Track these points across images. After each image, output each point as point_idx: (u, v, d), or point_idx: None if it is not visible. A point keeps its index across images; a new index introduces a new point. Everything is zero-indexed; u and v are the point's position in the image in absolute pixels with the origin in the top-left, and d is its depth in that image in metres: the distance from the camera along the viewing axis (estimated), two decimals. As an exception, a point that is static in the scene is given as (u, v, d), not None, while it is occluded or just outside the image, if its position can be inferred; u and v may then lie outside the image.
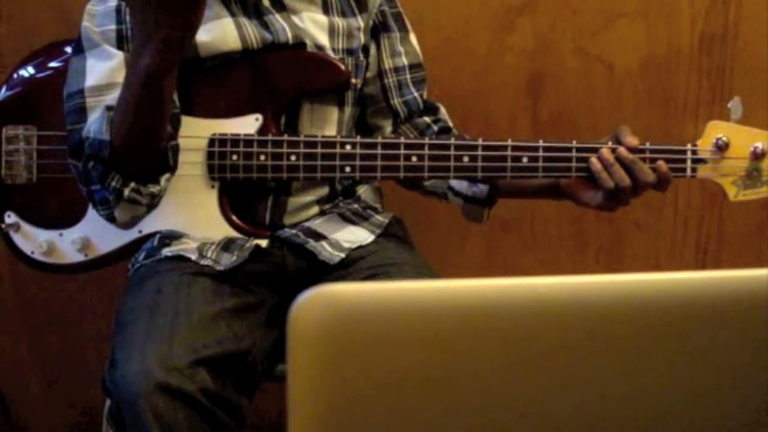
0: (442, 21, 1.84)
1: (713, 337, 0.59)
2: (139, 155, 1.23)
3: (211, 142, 1.32)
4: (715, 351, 0.59)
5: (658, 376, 0.59)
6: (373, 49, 1.46)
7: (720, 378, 0.59)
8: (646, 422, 0.59)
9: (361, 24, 1.43)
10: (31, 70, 1.50)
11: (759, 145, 1.28)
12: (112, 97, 1.24)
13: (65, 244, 1.42)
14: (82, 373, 1.94)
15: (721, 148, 1.29)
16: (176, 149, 1.27)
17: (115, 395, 1.13)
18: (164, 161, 1.25)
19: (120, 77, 1.28)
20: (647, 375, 0.58)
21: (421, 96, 1.48)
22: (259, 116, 1.33)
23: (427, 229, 1.83)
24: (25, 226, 1.44)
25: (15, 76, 1.49)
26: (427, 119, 1.49)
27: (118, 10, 1.31)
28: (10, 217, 1.45)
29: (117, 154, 1.21)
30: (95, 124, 1.23)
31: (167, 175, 1.26)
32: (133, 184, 1.24)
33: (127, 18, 1.30)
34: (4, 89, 1.49)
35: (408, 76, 1.47)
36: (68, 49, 1.37)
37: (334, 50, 1.39)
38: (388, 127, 1.48)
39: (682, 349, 0.59)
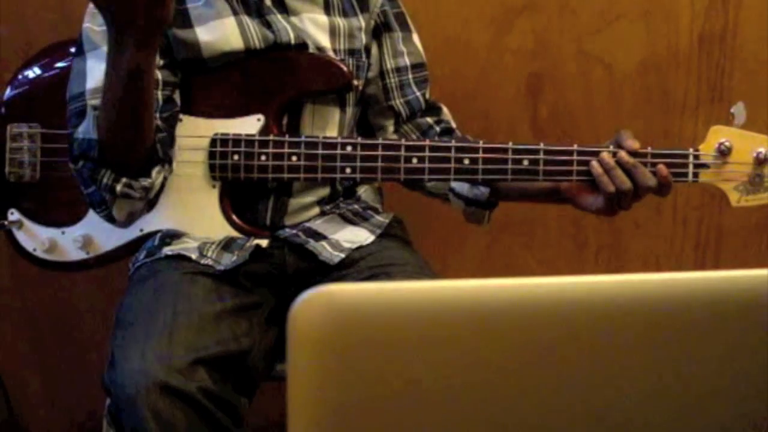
0: (442, 21, 1.84)
1: (713, 337, 0.59)
2: (128, 150, 1.22)
3: (213, 141, 1.32)
4: (715, 351, 0.59)
5: (657, 376, 0.59)
6: (374, 49, 1.45)
7: (720, 378, 0.59)
8: (645, 422, 0.59)
9: (363, 24, 1.43)
10: (35, 69, 1.50)
11: (762, 150, 1.27)
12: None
13: (67, 242, 1.42)
14: (82, 373, 1.94)
15: (724, 153, 1.27)
16: (166, 141, 1.27)
17: (115, 394, 1.13)
18: (154, 154, 1.25)
19: None
20: (647, 374, 0.58)
21: (424, 96, 1.48)
22: (261, 116, 1.33)
23: (427, 229, 1.83)
24: (28, 224, 1.44)
25: (20, 75, 1.50)
26: (429, 119, 1.48)
27: None
28: (14, 215, 1.45)
29: (105, 151, 1.21)
30: (84, 124, 1.24)
31: (158, 168, 1.26)
32: (124, 179, 1.23)
33: None
34: (8, 88, 1.49)
35: (410, 76, 1.47)
36: (72, 49, 1.37)
37: (335, 51, 1.39)
38: (390, 127, 1.48)
39: (682, 349, 0.59)
